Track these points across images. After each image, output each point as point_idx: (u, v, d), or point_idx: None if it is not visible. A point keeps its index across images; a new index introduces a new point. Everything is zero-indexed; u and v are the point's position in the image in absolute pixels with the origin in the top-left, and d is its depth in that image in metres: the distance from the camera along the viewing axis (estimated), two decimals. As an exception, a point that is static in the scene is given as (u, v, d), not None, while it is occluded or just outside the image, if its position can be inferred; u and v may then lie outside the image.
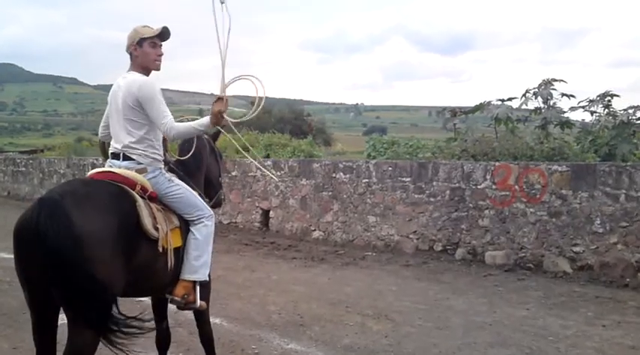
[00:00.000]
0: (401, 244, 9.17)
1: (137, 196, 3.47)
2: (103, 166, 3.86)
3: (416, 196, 9.02)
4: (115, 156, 3.76)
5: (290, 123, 34.25)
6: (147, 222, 3.41)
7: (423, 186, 8.92)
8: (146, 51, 3.80)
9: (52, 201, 3.00)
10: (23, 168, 19.85)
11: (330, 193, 10.11)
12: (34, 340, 3.20)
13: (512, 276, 7.57)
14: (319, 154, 17.05)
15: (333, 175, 10.04)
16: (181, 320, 5.77)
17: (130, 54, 3.84)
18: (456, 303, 6.45)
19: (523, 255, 7.94)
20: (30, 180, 19.31)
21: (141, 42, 3.77)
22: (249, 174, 11.46)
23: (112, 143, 3.84)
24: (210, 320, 5.77)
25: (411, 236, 9.08)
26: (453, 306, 6.33)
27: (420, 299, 6.60)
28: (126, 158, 3.71)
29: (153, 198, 3.65)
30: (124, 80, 3.77)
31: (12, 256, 8.82)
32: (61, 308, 3.09)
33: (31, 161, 19.87)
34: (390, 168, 9.35)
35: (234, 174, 11.81)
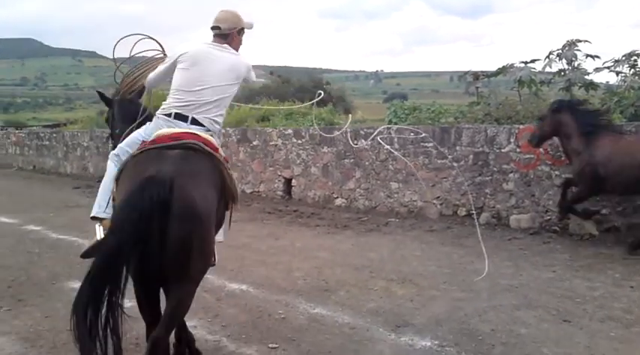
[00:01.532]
0: (424, 210, 9.15)
1: (223, 161, 3.59)
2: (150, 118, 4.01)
3: (439, 161, 8.96)
4: (181, 117, 3.70)
5: (310, 91, 34.11)
6: (233, 185, 3.62)
7: (446, 151, 8.85)
8: (241, 40, 4.09)
9: (170, 180, 3.02)
10: (47, 142, 20.08)
11: (352, 160, 10.09)
12: (143, 311, 3.33)
13: (538, 239, 7.52)
14: (340, 122, 16.99)
15: (355, 142, 10.00)
16: (207, 288, 5.83)
17: (227, 35, 3.96)
18: (481, 267, 6.40)
19: (548, 218, 7.88)
20: (54, 154, 19.53)
21: (240, 31, 4.04)
22: (271, 143, 11.46)
23: (180, 103, 3.75)
24: (238, 286, 5.88)
25: (434, 201, 9.05)
26: (478, 270, 6.30)
27: (444, 264, 6.60)
28: (194, 122, 3.71)
29: (227, 161, 3.74)
30: (222, 52, 3.88)
31: (40, 228, 8.94)
32: None
33: (54, 135, 20.08)
34: (411, 134, 9.28)
35: (255, 143, 11.82)
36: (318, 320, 4.91)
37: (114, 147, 4.27)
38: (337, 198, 10.32)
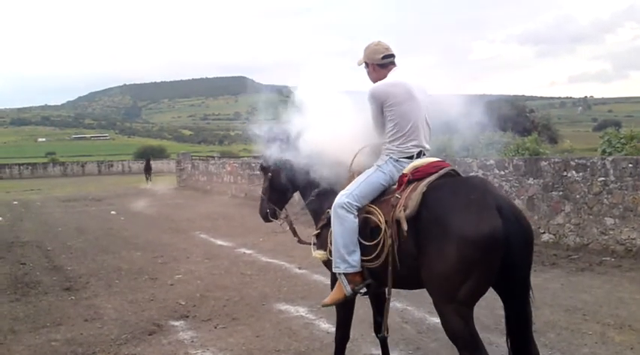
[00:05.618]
0: (645, 249, 8.28)
1: None
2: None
3: (663, 196, 8.08)
4: (418, 155, 3.88)
5: (511, 120, 32.94)
6: None
7: (672, 184, 7.96)
8: None
9: (518, 210, 3.40)
10: (257, 172, 21.55)
11: (561, 193, 9.48)
12: (473, 330, 3.41)
13: None
14: (546, 152, 16.16)
15: (564, 174, 9.40)
16: (408, 319, 5.81)
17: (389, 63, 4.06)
18: None
19: None
20: (264, 183, 20.85)
21: None
22: (471, 174, 11.19)
23: (413, 142, 3.87)
24: (438, 320, 5.76)
25: (657, 240, 8.16)
26: None
27: (670, 310, 5.90)
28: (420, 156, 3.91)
29: None
30: (411, 81, 3.93)
31: (251, 251, 9.60)
32: None
33: (264, 165, 21.46)
34: (630, 165, 8.49)
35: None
36: (525, 362, 4.63)
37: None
38: (544, 233, 9.74)
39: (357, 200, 3.76)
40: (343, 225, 3.74)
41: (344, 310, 4.08)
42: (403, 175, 3.68)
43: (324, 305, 4.08)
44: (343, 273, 3.79)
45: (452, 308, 3.31)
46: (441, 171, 3.62)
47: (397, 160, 3.84)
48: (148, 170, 35.64)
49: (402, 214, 3.44)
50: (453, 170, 3.72)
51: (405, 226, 3.41)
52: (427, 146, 3.95)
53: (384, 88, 3.88)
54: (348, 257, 3.73)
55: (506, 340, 3.45)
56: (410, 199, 3.45)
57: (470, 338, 3.30)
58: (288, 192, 4.84)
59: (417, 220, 3.38)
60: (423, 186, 3.48)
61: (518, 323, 3.45)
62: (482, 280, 3.24)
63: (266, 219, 4.89)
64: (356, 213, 3.75)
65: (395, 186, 3.72)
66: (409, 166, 3.72)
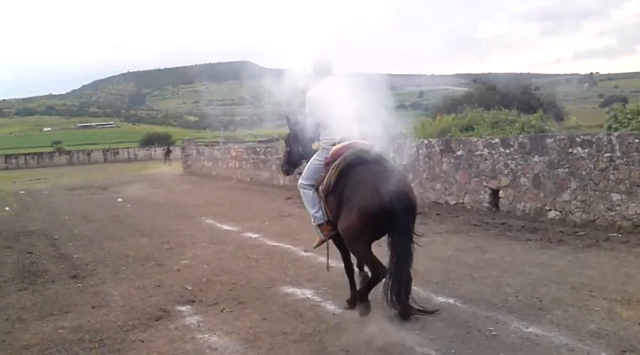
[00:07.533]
0: (652, 224, 8.22)
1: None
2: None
3: (669, 170, 8.00)
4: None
5: (517, 98, 32.74)
6: None
7: (679, 158, 7.87)
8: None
9: (403, 191, 4.94)
10: (262, 156, 21.53)
11: (567, 170, 9.41)
12: (369, 255, 5.12)
13: None
14: (551, 129, 16.05)
15: (570, 150, 9.32)
16: (414, 299, 5.78)
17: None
18: None
19: None
20: (269, 167, 20.86)
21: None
22: (476, 153, 11.14)
23: (335, 135, 5.59)
24: (444, 299, 5.76)
25: (664, 215, 8.09)
26: None
27: (678, 285, 5.86)
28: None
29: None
30: (337, 89, 5.63)
31: (257, 236, 9.62)
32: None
33: (269, 149, 21.41)
34: (636, 140, 8.40)
35: (459, 153, 11.56)
36: (532, 339, 4.62)
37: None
38: (550, 210, 9.69)
39: (305, 179, 5.78)
40: (306, 195, 5.79)
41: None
42: (325, 159, 5.47)
43: (314, 248, 6.26)
44: (317, 225, 5.72)
45: (355, 246, 5.15)
46: (347, 153, 5.18)
47: (325, 148, 5.54)
48: (167, 154, 45.86)
49: (322, 189, 5.39)
50: (362, 150, 5.18)
51: (322, 196, 5.42)
52: (351, 135, 5.38)
53: (310, 95, 5.54)
54: (315, 214, 5.70)
55: (387, 278, 4.99)
56: (329, 177, 5.23)
57: (370, 261, 5.08)
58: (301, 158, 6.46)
59: (336, 193, 5.18)
60: (335, 168, 5.17)
61: (397, 263, 4.90)
62: (374, 232, 5.04)
63: (285, 173, 6.94)
64: (309, 187, 5.72)
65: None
66: (331, 151, 5.41)
